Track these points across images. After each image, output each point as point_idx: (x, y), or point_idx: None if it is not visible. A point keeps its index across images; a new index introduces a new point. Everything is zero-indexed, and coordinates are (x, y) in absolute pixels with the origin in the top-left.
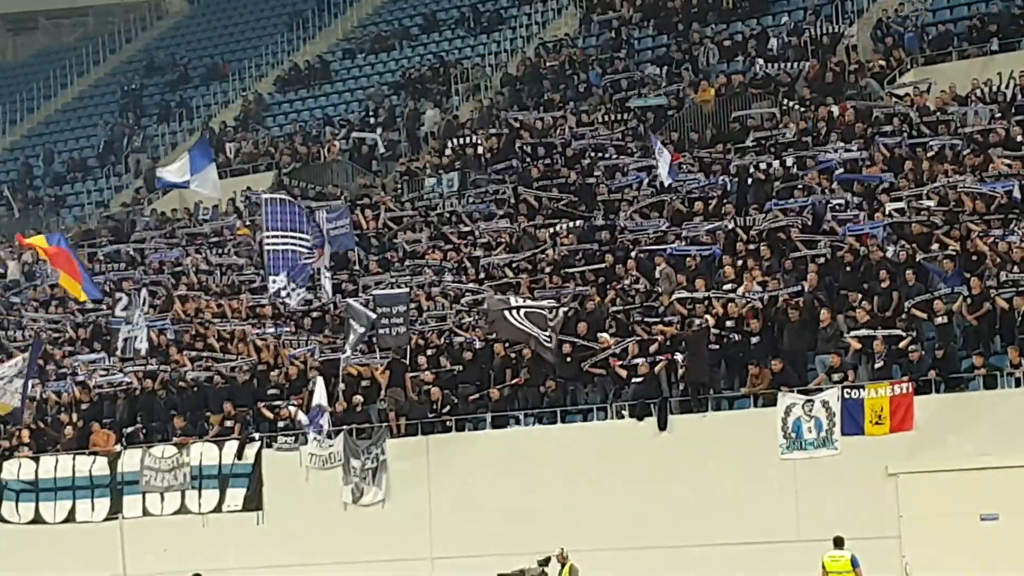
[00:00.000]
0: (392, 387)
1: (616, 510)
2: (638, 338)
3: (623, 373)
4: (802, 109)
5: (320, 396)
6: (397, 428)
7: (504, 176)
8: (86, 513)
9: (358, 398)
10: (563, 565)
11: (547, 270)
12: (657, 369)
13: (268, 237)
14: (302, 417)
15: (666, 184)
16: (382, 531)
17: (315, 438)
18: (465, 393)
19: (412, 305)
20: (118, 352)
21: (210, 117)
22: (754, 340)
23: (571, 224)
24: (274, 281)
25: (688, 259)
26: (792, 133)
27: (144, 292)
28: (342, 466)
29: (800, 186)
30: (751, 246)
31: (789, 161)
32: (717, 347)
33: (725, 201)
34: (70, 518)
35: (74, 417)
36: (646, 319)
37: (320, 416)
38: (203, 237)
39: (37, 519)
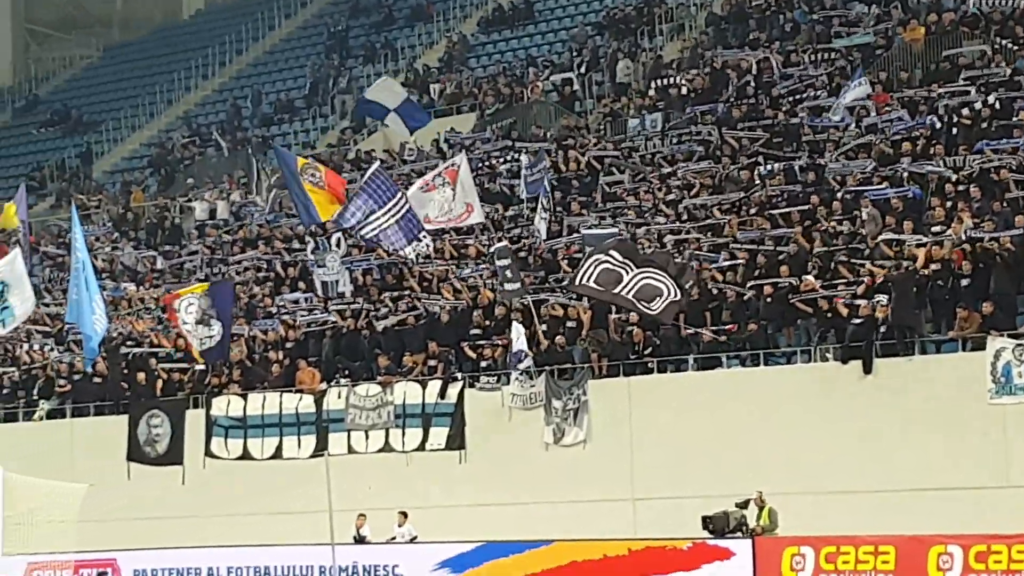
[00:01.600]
0: (594, 328)
1: (818, 454)
2: (844, 280)
3: (844, 311)
4: (1015, 48)
5: (519, 341)
6: (599, 369)
7: (707, 117)
8: (292, 450)
9: (560, 339)
10: (760, 508)
11: (752, 211)
12: (860, 311)
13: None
14: (516, 339)
15: (839, 115)
16: (583, 472)
17: (516, 378)
18: (668, 335)
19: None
20: (319, 292)
21: (414, 58)
22: (963, 283)
23: (775, 165)
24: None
25: (894, 200)
26: (1005, 72)
27: (338, 236)
28: (544, 407)
29: (1012, 126)
30: (960, 187)
31: (999, 101)
32: (924, 290)
33: (934, 142)
34: (277, 454)
35: (281, 355)
36: (851, 261)
37: (520, 360)
38: (406, 178)
39: (245, 455)
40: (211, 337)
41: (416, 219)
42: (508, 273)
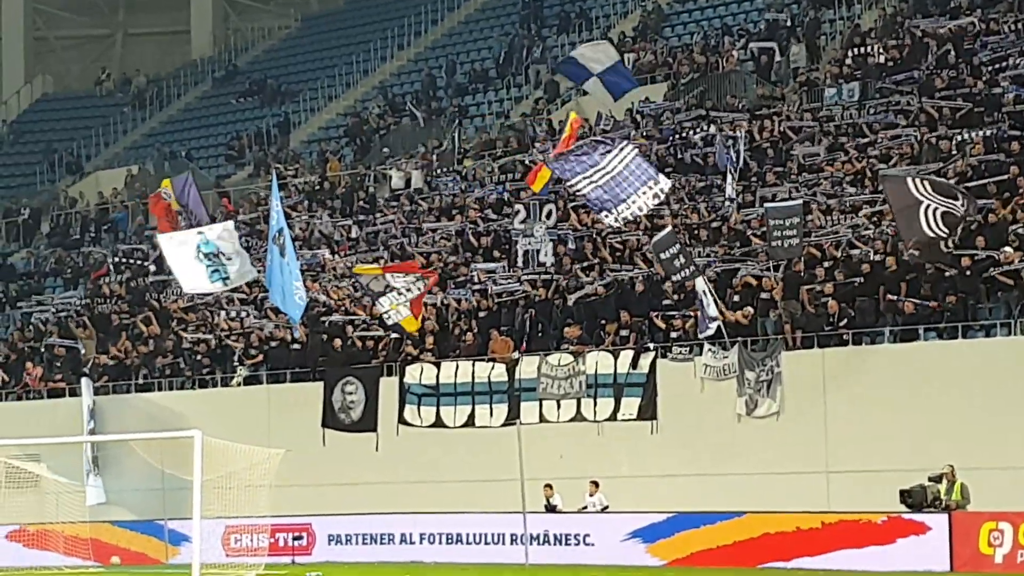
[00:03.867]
0: (787, 299)
1: (1017, 428)
2: None
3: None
4: None
5: (710, 307)
6: (792, 340)
7: (906, 86)
8: (484, 418)
9: (750, 309)
10: (952, 483)
11: (951, 181)
12: None
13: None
14: (700, 285)
15: None
16: (776, 443)
17: (709, 349)
18: (862, 306)
19: (808, 217)
20: (519, 264)
21: (609, 27)
22: None
23: (976, 134)
24: (607, 216)
25: None
26: None
27: (549, 206)
28: (736, 378)
29: None
30: None
31: None
32: None
33: None
34: (469, 422)
35: (474, 324)
36: None
37: (713, 322)
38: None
39: (438, 423)
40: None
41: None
42: (676, 263)
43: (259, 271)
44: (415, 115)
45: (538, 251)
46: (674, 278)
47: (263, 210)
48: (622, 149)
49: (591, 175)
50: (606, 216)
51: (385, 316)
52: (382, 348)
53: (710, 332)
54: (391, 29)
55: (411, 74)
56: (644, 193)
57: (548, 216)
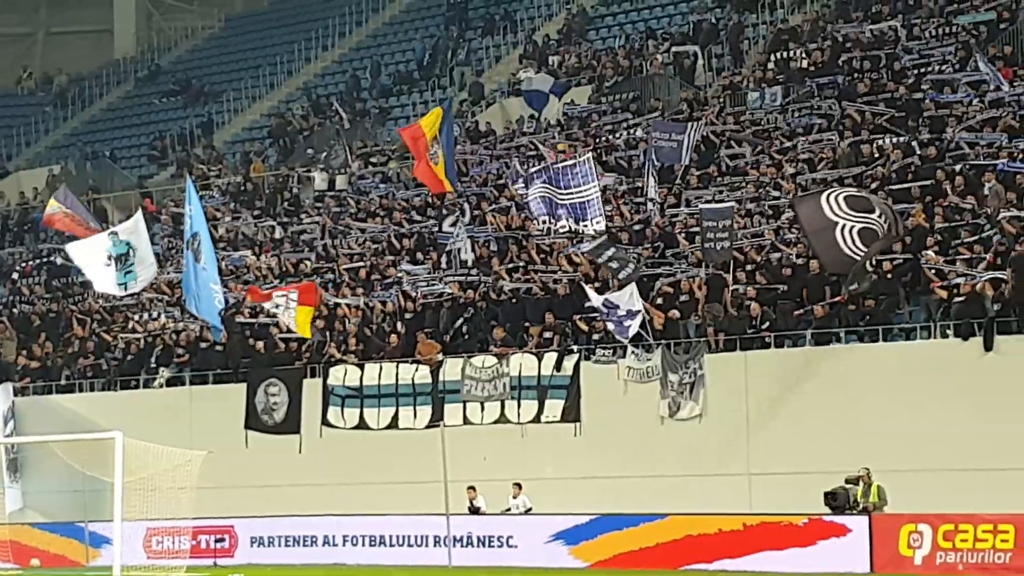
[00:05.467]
0: (710, 302)
1: (937, 430)
2: (964, 256)
3: (943, 294)
4: None
5: (632, 300)
6: (715, 343)
7: (829, 90)
8: (408, 420)
9: (675, 312)
10: (868, 485)
11: (872, 186)
12: (979, 288)
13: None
14: (594, 298)
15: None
16: (699, 446)
17: (633, 352)
18: (784, 309)
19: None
20: (443, 265)
21: (534, 30)
22: None
23: (897, 140)
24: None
25: (1019, 176)
26: None
27: (465, 205)
28: (659, 380)
29: None
30: None
31: None
32: None
33: None
34: (393, 424)
35: (398, 326)
36: (972, 237)
37: (630, 319)
38: (524, 150)
39: (361, 425)
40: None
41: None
42: (614, 264)
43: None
44: (340, 116)
45: (459, 250)
46: (620, 276)
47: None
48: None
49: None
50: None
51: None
52: (305, 350)
53: (631, 331)
54: (315, 30)
55: (335, 75)
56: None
57: (464, 215)
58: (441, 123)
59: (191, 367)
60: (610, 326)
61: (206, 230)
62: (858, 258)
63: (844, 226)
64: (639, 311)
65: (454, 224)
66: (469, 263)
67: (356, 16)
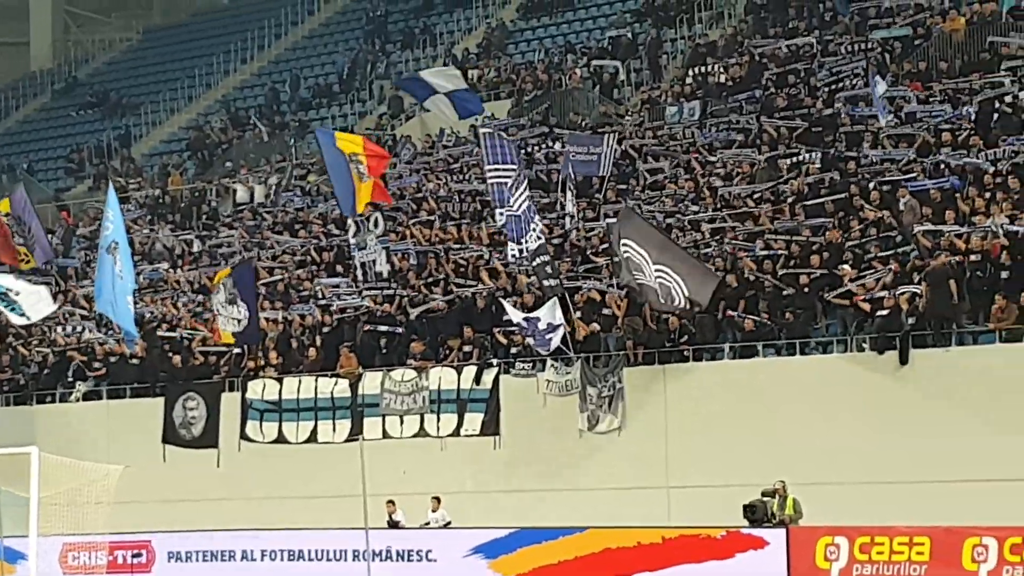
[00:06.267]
0: (630, 315)
1: (854, 444)
2: (879, 270)
3: (867, 307)
4: None
5: (554, 314)
6: (634, 357)
7: (747, 105)
8: (327, 434)
9: (595, 326)
10: (783, 498)
11: (788, 200)
12: (895, 302)
13: (490, 171)
14: (514, 314)
15: (882, 121)
16: (618, 459)
17: (552, 365)
18: (704, 322)
19: None
20: (359, 276)
21: (453, 44)
22: (1001, 274)
23: (813, 154)
24: (501, 214)
25: (932, 191)
26: None
27: (377, 216)
28: (579, 393)
29: None
30: (999, 179)
31: None
32: (961, 281)
33: (973, 132)
34: (312, 438)
35: (317, 340)
36: (887, 251)
37: (552, 332)
38: (443, 162)
39: (280, 439)
40: (239, 320)
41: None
42: (548, 269)
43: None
44: (258, 129)
45: (374, 262)
46: (545, 283)
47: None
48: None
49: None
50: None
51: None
52: (224, 363)
53: (553, 345)
54: (234, 43)
55: (254, 88)
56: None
57: (376, 225)
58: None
59: (108, 381)
60: (530, 341)
61: (125, 240)
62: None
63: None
64: (560, 324)
65: (356, 234)
66: (384, 274)
67: (275, 29)
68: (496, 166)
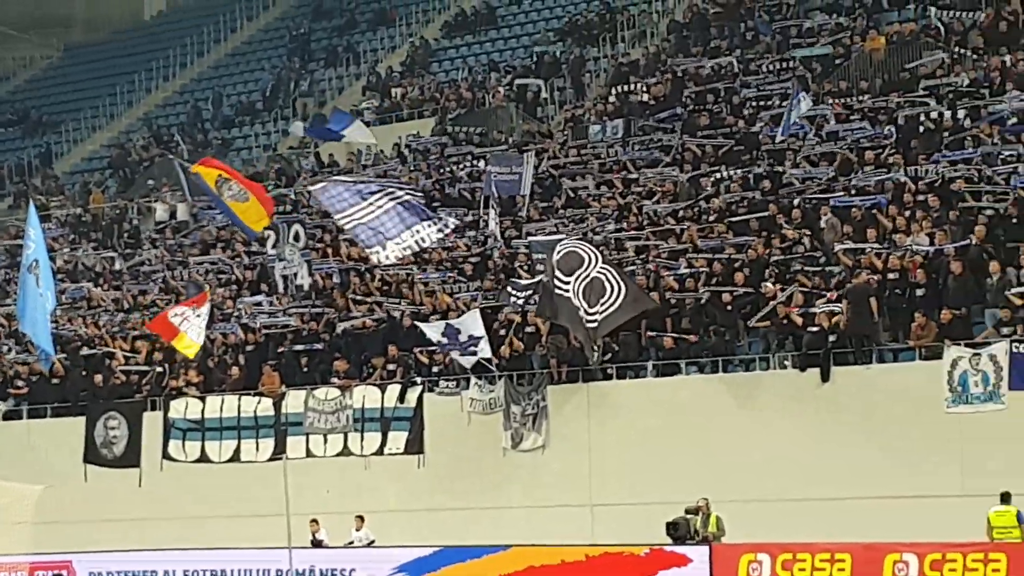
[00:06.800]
0: (554, 334)
1: (777, 461)
2: (803, 288)
3: (799, 321)
4: (975, 58)
5: (475, 325)
6: (558, 375)
7: (669, 123)
8: (250, 453)
9: (519, 344)
10: (707, 516)
11: (711, 218)
12: (817, 319)
13: (340, 219)
14: (432, 330)
15: (780, 135)
16: (542, 477)
17: (476, 383)
18: (627, 341)
19: None
20: (280, 290)
21: (376, 62)
22: (920, 292)
23: (736, 172)
24: (376, 252)
25: (853, 209)
26: (964, 83)
27: (296, 227)
28: (503, 411)
29: (970, 137)
30: (919, 197)
31: (960, 111)
32: (882, 299)
33: (893, 151)
34: (235, 458)
35: (240, 358)
36: (808, 269)
37: (474, 344)
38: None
39: (203, 458)
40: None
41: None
42: (520, 281)
43: None
44: (181, 147)
45: (295, 275)
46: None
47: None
48: (394, 191)
49: (354, 212)
50: (374, 253)
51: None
52: (145, 383)
53: (475, 358)
54: (156, 60)
55: (176, 106)
56: (418, 232)
57: (297, 238)
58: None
59: (29, 400)
60: (454, 354)
61: (46, 258)
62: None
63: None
64: (482, 336)
65: (276, 246)
66: (306, 287)
67: (198, 47)
68: (344, 212)
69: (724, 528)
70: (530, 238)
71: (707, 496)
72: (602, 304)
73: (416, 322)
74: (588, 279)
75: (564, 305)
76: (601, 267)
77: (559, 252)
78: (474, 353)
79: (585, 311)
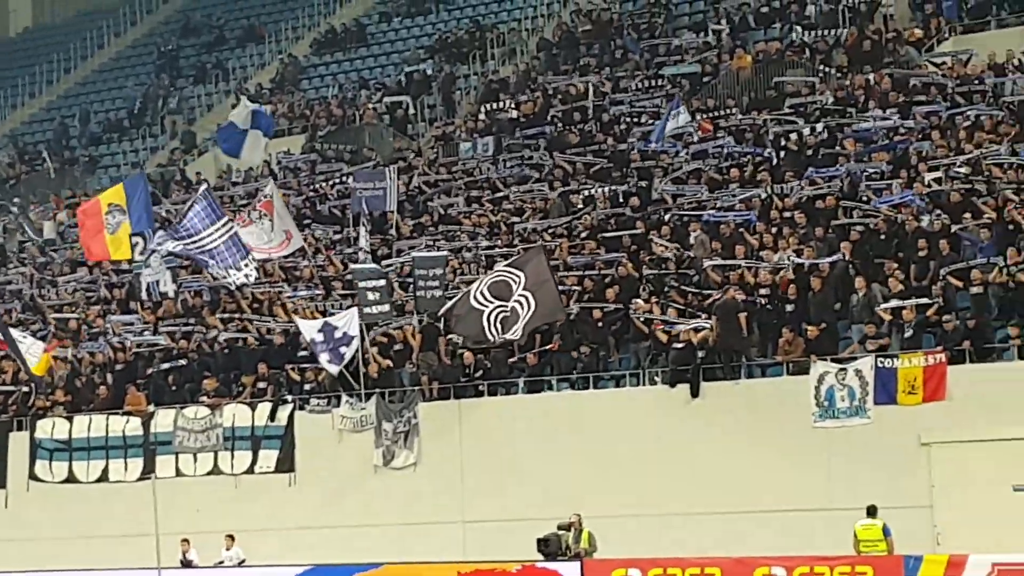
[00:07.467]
0: (425, 351)
1: (648, 476)
2: (673, 304)
3: (664, 338)
4: (839, 76)
5: (351, 324)
6: (429, 392)
7: (539, 141)
8: (119, 473)
9: (389, 362)
10: (579, 532)
11: (582, 235)
12: (686, 336)
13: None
14: (309, 327)
15: (652, 143)
16: (413, 494)
17: (347, 401)
18: (498, 357)
19: (448, 269)
20: (143, 296)
21: (246, 79)
22: (788, 308)
23: (605, 189)
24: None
25: (723, 226)
26: (829, 101)
27: (160, 233)
28: (374, 429)
29: (836, 154)
30: (786, 214)
31: (825, 129)
32: (750, 314)
33: (761, 168)
34: (103, 478)
35: (108, 377)
36: (679, 286)
37: (345, 345)
38: (236, 199)
39: (70, 478)
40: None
41: (240, 245)
42: (375, 296)
43: None
44: (48, 164)
45: (158, 282)
46: (375, 309)
47: None
48: (224, 224)
49: (188, 242)
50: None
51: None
52: (12, 402)
53: (347, 358)
54: (22, 77)
55: (43, 123)
56: (233, 271)
57: (160, 244)
58: (129, 193)
59: None
60: (324, 357)
61: None
62: (491, 338)
63: (488, 312)
64: (355, 336)
65: (142, 253)
66: (170, 294)
67: (64, 63)
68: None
69: (596, 544)
70: (414, 254)
71: (579, 512)
72: (507, 331)
73: (299, 319)
74: (507, 311)
75: (473, 319)
76: (521, 294)
77: (494, 276)
78: (342, 356)
79: (491, 333)
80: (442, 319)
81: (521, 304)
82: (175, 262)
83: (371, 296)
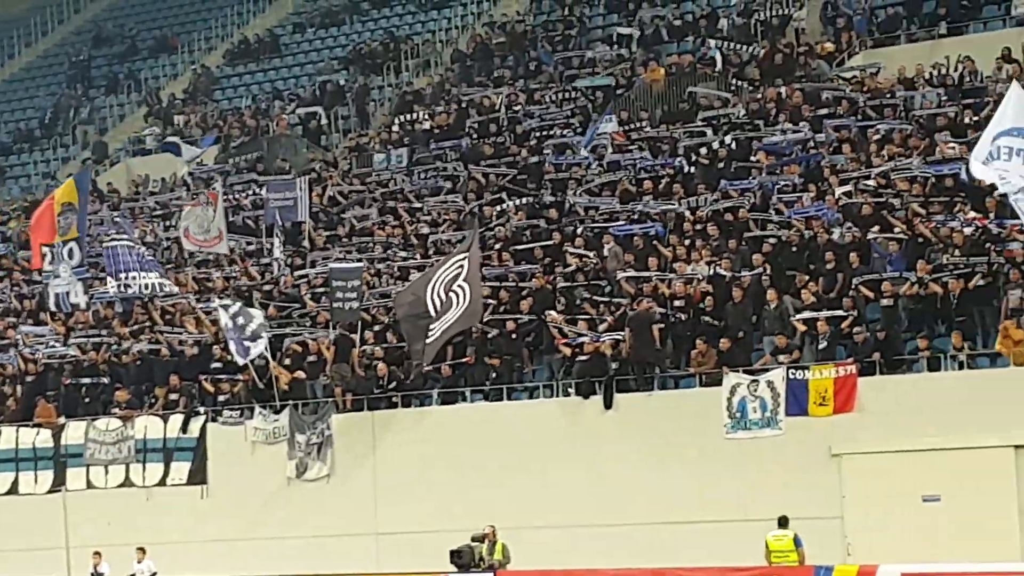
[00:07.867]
0: (338, 362)
1: (562, 488)
2: (583, 317)
3: (568, 351)
4: (751, 90)
5: (258, 324)
6: (343, 403)
7: (453, 152)
8: (29, 485)
9: (302, 373)
10: (493, 543)
11: (496, 247)
12: (602, 348)
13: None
14: (224, 317)
15: (582, 151)
16: (327, 506)
17: (260, 412)
18: (411, 369)
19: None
20: (51, 306)
21: (158, 89)
22: (701, 320)
23: (519, 201)
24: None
25: (636, 238)
26: (741, 114)
27: (71, 245)
28: (287, 441)
29: (749, 166)
30: (699, 226)
31: (735, 142)
32: (663, 326)
33: (674, 181)
34: (12, 490)
35: (18, 389)
36: (593, 297)
37: (252, 341)
38: (149, 210)
39: None
40: None
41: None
42: (345, 294)
43: None
44: None
45: (68, 293)
46: (344, 305)
47: None
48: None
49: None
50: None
51: None
52: None
53: (253, 354)
54: None
55: None
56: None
57: (71, 256)
58: (80, 187)
59: None
60: (232, 345)
61: None
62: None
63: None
64: (262, 338)
65: (51, 263)
66: (82, 305)
67: None
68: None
69: (510, 555)
70: (331, 265)
71: (493, 523)
72: (446, 318)
73: (221, 306)
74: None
75: (421, 317)
76: (460, 284)
77: (450, 266)
78: (247, 350)
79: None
80: (358, 325)
81: (458, 295)
82: (86, 273)
83: (340, 295)
